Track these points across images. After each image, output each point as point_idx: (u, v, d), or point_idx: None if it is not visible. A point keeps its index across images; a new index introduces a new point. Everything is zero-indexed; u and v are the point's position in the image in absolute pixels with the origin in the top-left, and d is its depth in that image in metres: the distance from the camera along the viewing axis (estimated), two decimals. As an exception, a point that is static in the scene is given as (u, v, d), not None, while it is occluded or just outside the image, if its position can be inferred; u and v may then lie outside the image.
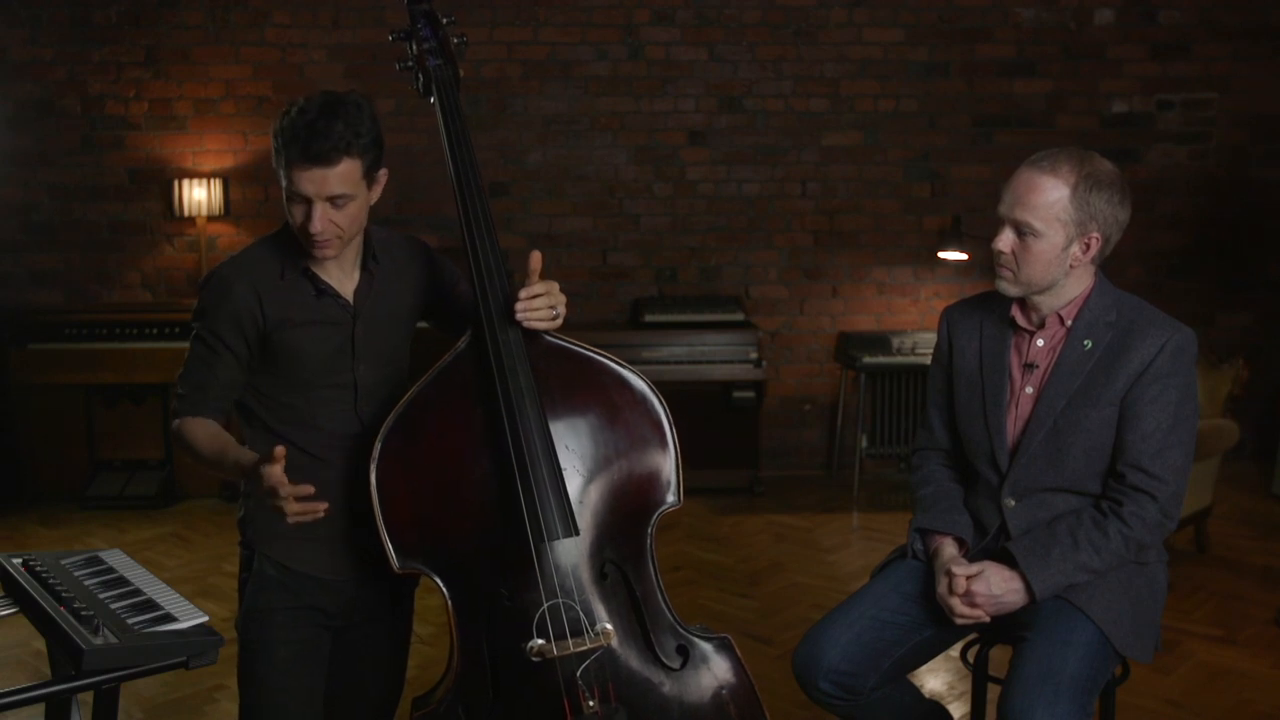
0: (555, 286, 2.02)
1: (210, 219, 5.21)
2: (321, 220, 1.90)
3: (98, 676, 1.52)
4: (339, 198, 1.90)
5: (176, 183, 5.15)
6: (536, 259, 2.02)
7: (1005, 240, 2.07)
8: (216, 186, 5.17)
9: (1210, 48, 5.38)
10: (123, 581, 1.77)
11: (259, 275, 2.01)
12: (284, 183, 1.91)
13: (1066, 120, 5.39)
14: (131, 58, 5.22)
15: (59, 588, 1.69)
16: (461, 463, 2.00)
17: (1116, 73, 5.38)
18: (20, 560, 1.82)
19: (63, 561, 1.83)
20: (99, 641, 1.52)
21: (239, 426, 2.14)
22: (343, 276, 2.05)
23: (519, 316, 1.97)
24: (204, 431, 1.99)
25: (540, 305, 1.99)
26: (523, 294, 1.98)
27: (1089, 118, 5.40)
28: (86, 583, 1.75)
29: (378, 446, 1.95)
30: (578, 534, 1.98)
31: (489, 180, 5.26)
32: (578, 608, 1.96)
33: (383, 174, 2.00)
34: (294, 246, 2.02)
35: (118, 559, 1.86)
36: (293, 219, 1.94)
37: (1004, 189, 2.09)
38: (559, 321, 2.04)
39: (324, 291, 2.02)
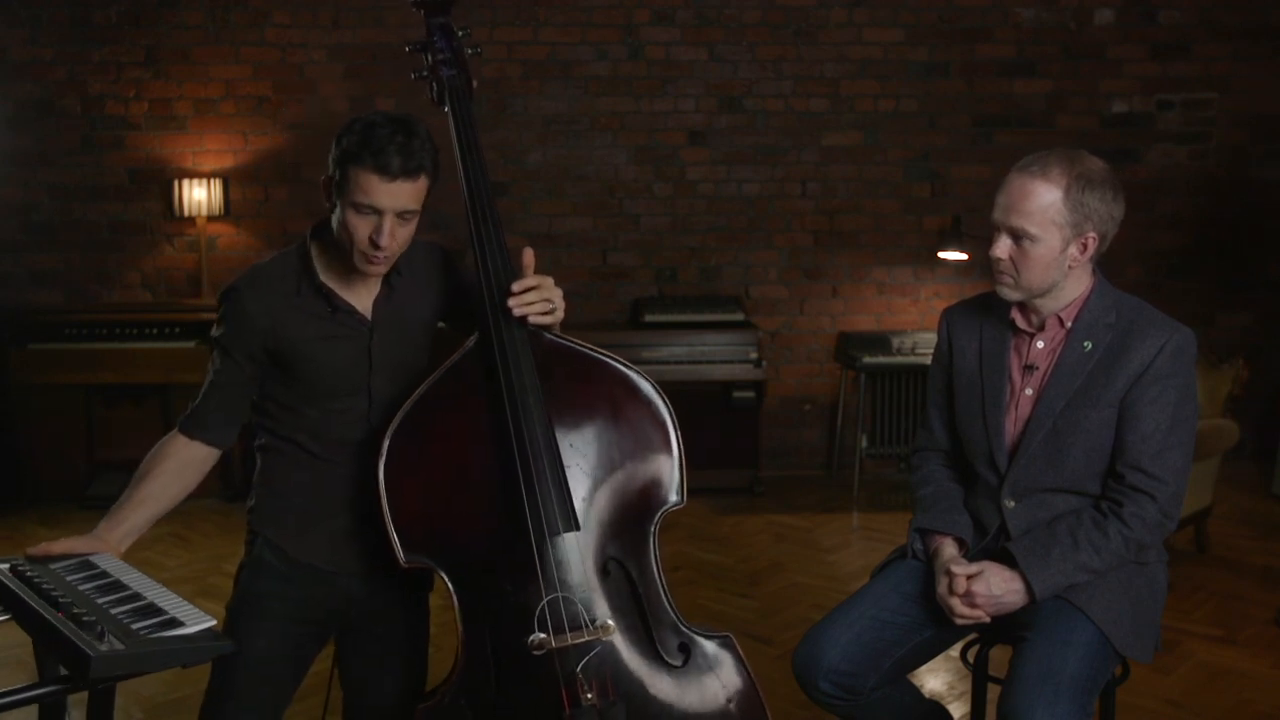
0: (549, 281, 2.04)
1: (210, 219, 5.21)
2: (390, 235, 1.92)
3: (100, 681, 1.50)
4: (409, 213, 1.94)
5: (176, 183, 5.15)
6: (529, 255, 2.05)
7: (1002, 247, 2.07)
8: (216, 186, 5.17)
9: (1210, 48, 5.38)
10: (119, 585, 1.75)
11: (273, 293, 2.02)
12: (351, 196, 1.90)
13: (1066, 120, 5.39)
14: (131, 58, 5.22)
15: (54, 593, 1.67)
16: (467, 459, 2.03)
17: (1116, 73, 5.38)
18: (8, 565, 1.78)
19: (53, 566, 1.81)
20: (105, 648, 1.50)
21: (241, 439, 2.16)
22: (363, 290, 2.07)
23: (515, 311, 2.00)
24: (160, 462, 2.02)
25: (533, 298, 2.01)
26: (515, 287, 2.00)
27: (1089, 118, 5.40)
28: (81, 588, 1.73)
29: (385, 444, 1.98)
30: (578, 529, 2.00)
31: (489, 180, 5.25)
32: (578, 603, 1.98)
33: None
34: (310, 262, 2.03)
35: (109, 563, 1.84)
36: (353, 232, 1.93)
37: (996, 196, 2.09)
38: (558, 315, 2.06)
39: (339, 308, 2.04)
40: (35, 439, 5.05)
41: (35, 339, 4.91)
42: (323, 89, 5.26)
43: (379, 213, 1.91)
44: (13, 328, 4.96)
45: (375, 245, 1.93)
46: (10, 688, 1.53)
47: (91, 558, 1.86)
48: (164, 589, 1.74)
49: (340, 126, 1.95)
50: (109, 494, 4.90)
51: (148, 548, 4.51)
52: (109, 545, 1.91)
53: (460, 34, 2.26)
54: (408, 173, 1.90)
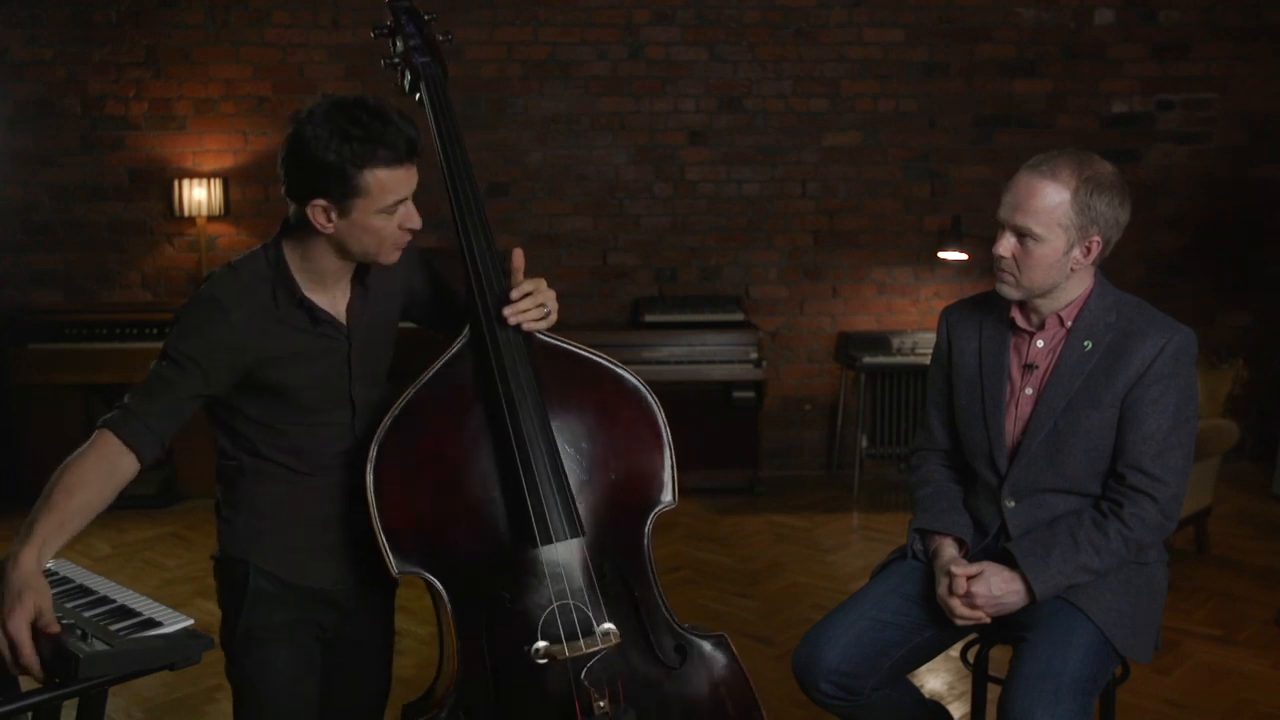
0: (543, 283, 1.99)
1: (210, 219, 5.21)
2: (415, 210, 1.86)
3: (87, 682, 1.50)
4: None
5: (176, 183, 5.15)
6: (519, 257, 1.98)
7: (1006, 245, 2.06)
8: (216, 186, 5.17)
9: (1210, 48, 5.38)
10: (85, 590, 1.74)
11: (253, 303, 1.87)
12: (374, 202, 1.79)
13: (1066, 120, 5.39)
14: (131, 58, 5.22)
15: None
16: (460, 464, 1.97)
17: (1116, 73, 5.38)
18: None
19: None
20: (89, 649, 1.50)
21: (207, 455, 2.03)
22: (338, 295, 1.96)
23: (510, 320, 1.94)
24: (85, 468, 1.76)
25: (529, 305, 1.95)
26: (513, 294, 1.95)
27: (1089, 118, 5.40)
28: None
29: (374, 450, 1.90)
30: (584, 534, 1.96)
31: (489, 180, 5.26)
32: (586, 609, 1.94)
33: None
34: (289, 273, 1.90)
35: (67, 568, 1.82)
36: (380, 233, 1.84)
37: (1003, 193, 2.08)
38: (553, 319, 2.01)
39: (320, 319, 1.92)
40: (35, 439, 5.04)
41: (35, 339, 4.91)
42: (323, 89, 5.25)
43: (400, 201, 1.83)
44: (13, 328, 4.96)
45: (405, 230, 1.87)
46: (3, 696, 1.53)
47: (48, 564, 1.76)
48: (131, 591, 1.72)
49: (294, 143, 1.80)
50: (109, 494, 4.95)
51: (149, 548, 4.51)
52: (42, 590, 1.59)
53: (428, 18, 2.15)
54: (418, 151, 1.82)
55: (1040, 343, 2.16)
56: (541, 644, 1.92)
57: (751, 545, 4.55)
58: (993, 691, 2.16)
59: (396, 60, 2.15)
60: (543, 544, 1.92)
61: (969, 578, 2.08)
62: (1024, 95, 5.38)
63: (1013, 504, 2.16)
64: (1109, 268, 2.18)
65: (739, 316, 5.16)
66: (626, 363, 2.10)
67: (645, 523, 2.05)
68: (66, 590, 1.74)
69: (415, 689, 2.33)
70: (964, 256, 5.18)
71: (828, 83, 5.37)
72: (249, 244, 5.28)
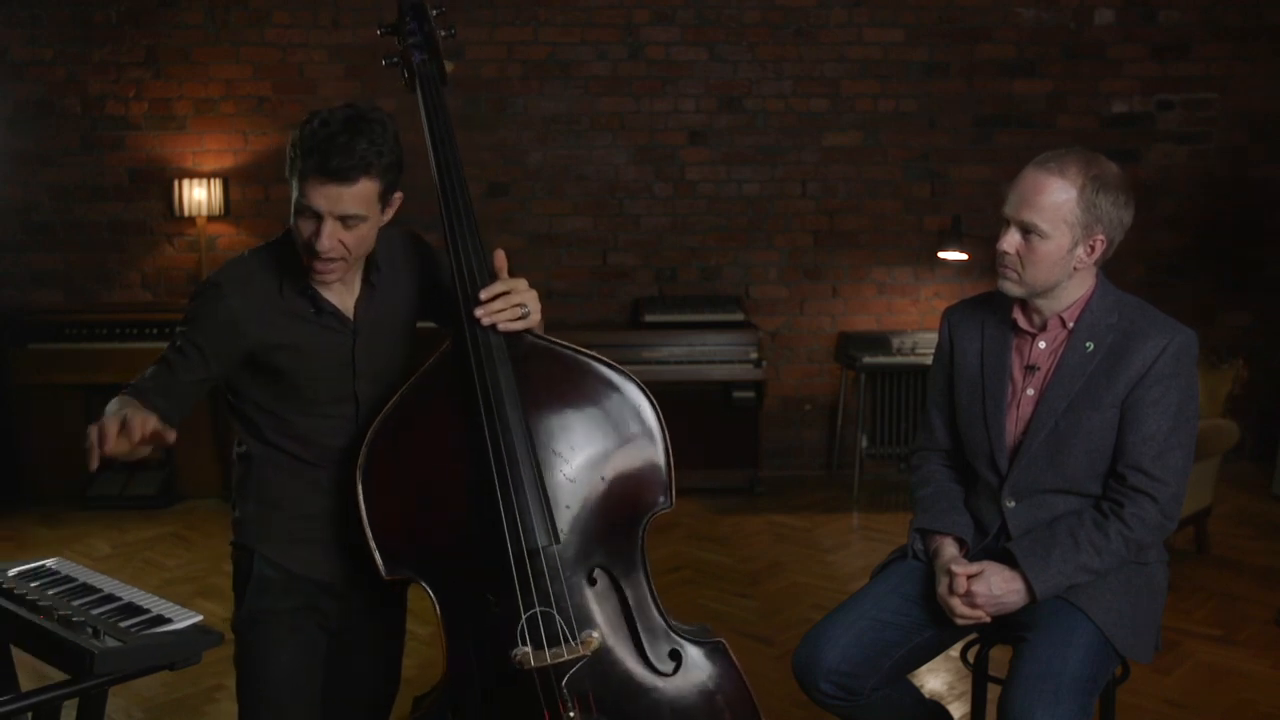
0: (521, 284, 1.97)
1: (210, 219, 5.21)
2: (330, 238, 1.85)
3: (102, 679, 1.50)
4: (350, 218, 1.86)
5: (176, 183, 5.15)
6: (500, 259, 1.97)
7: (1010, 241, 2.06)
8: (216, 186, 5.17)
9: (1210, 48, 5.38)
10: (89, 589, 1.74)
11: (256, 291, 1.94)
12: (295, 194, 1.86)
13: (1066, 120, 5.39)
14: (131, 58, 5.22)
15: (30, 599, 1.65)
16: (445, 467, 1.96)
17: (1116, 73, 5.38)
18: None
19: (10, 573, 1.77)
20: (102, 646, 1.50)
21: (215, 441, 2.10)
22: (344, 291, 2.00)
23: (483, 321, 1.93)
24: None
25: (501, 305, 1.94)
26: (482, 295, 1.93)
27: (1089, 118, 5.40)
28: (50, 592, 1.70)
29: (363, 452, 1.92)
30: (559, 542, 1.94)
31: (489, 180, 5.26)
32: (558, 616, 1.92)
33: (397, 197, 1.95)
34: (295, 259, 1.96)
35: (69, 567, 1.82)
36: (298, 233, 1.89)
37: (1009, 189, 2.08)
38: (533, 319, 1.99)
39: (324, 309, 1.96)
40: (35, 439, 5.04)
41: (35, 339, 4.92)
42: (323, 89, 5.26)
43: (319, 216, 1.85)
44: (13, 328, 4.96)
45: (312, 249, 1.86)
46: (4, 696, 1.52)
47: (48, 563, 1.82)
48: (135, 589, 1.72)
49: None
50: (109, 494, 4.98)
51: (149, 548, 4.51)
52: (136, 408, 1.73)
53: (434, 14, 2.16)
54: (341, 175, 1.81)
55: (1042, 344, 2.16)
56: (523, 650, 1.91)
57: (751, 545, 4.55)
58: (993, 691, 2.16)
59: (396, 59, 2.16)
60: (513, 550, 1.91)
61: (969, 577, 2.09)
62: (1024, 95, 5.38)
63: (1013, 504, 2.16)
64: (1109, 268, 2.18)
65: (739, 316, 5.16)
66: (626, 363, 2.07)
67: (639, 527, 2.02)
68: (70, 589, 1.74)
69: (416, 688, 2.33)
70: (964, 256, 5.17)
71: (828, 83, 5.36)
72: (249, 244, 5.26)
